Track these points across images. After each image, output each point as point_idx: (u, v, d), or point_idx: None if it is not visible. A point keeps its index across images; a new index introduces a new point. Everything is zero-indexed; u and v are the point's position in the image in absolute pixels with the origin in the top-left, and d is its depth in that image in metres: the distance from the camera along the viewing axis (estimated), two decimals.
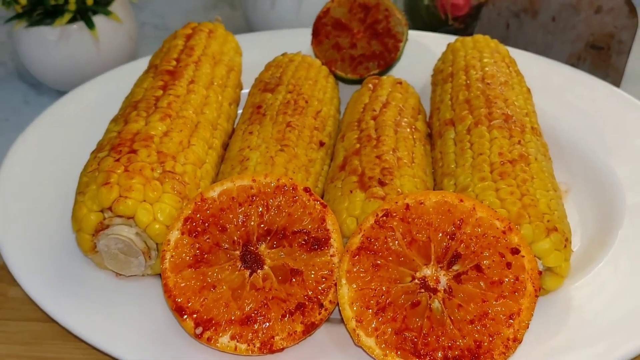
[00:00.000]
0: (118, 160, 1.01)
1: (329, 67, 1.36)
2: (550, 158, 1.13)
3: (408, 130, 1.16)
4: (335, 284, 0.91)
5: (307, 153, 1.15)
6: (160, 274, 0.96)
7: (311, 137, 1.18)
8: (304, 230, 0.94)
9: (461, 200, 0.91)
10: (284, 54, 1.37)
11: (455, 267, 0.89)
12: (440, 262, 0.89)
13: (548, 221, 0.97)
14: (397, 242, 0.90)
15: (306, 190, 0.97)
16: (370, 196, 1.01)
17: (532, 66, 1.39)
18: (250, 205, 0.95)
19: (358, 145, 1.13)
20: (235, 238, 0.94)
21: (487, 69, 1.22)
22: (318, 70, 1.33)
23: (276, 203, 0.95)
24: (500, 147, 1.06)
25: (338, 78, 1.37)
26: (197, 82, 1.19)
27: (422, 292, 0.88)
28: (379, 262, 0.90)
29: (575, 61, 1.59)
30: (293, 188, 0.96)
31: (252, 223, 0.95)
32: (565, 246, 0.97)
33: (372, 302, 0.88)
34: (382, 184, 1.03)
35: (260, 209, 0.95)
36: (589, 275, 1.04)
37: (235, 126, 1.27)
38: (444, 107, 1.20)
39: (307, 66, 1.32)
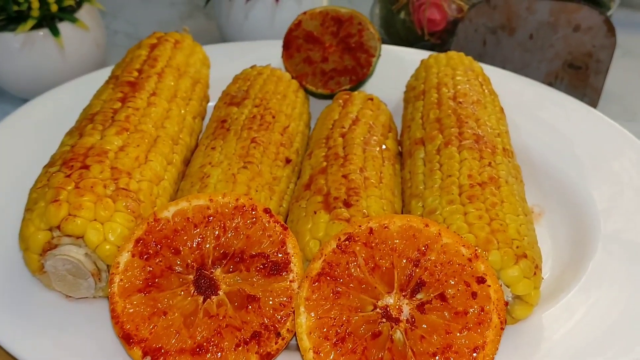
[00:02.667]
0: (69, 176, 0.96)
1: (299, 81, 1.32)
2: (522, 181, 1.10)
3: (377, 149, 1.12)
4: (294, 312, 0.86)
5: (271, 171, 1.10)
6: None
7: (277, 154, 1.13)
8: (263, 254, 0.90)
9: (427, 225, 0.87)
10: (252, 67, 1.32)
11: (419, 296, 0.84)
12: (404, 290, 0.85)
13: (517, 247, 0.93)
14: (359, 268, 0.86)
15: (266, 211, 0.92)
16: (334, 218, 0.97)
17: (508, 84, 1.36)
18: (206, 227, 0.90)
19: (325, 164, 1.09)
20: (189, 261, 0.89)
21: (459, 87, 1.18)
22: (287, 84, 1.28)
23: (234, 224, 0.91)
24: (469, 169, 1.02)
25: (309, 92, 1.33)
26: (158, 95, 1.15)
27: (383, 322, 0.83)
28: (339, 289, 0.85)
29: (553, 80, 1.57)
30: (252, 209, 0.92)
31: (208, 245, 0.90)
32: (535, 273, 0.93)
33: (331, 332, 0.83)
34: (347, 205, 0.99)
35: (217, 231, 0.90)
36: (559, 303, 1.01)
37: (199, 141, 1.22)
38: (415, 126, 1.16)
39: (276, 80, 1.28)
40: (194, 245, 0.90)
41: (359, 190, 1.02)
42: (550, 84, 1.56)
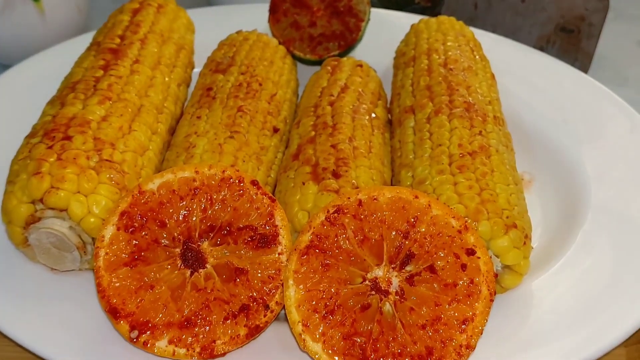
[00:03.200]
0: (51, 147, 0.93)
1: (286, 47, 1.29)
2: (512, 149, 1.08)
3: (367, 117, 1.10)
4: (282, 285, 0.86)
5: (259, 140, 1.08)
6: None
7: (264, 123, 1.11)
8: (251, 227, 0.88)
9: (416, 197, 0.86)
10: (238, 32, 1.29)
11: (408, 268, 0.84)
12: (393, 263, 0.84)
13: (507, 217, 0.92)
14: (348, 240, 0.85)
15: (253, 183, 0.90)
16: (323, 189, 0.95)
17: (499, 49, 1.34)
18: (192, 199, 0.89)
19: (313, 133, 1.07)
20: (176, 234, 0.88)
21: (450, 53, 1.16)
22: (274, 50, 1.25)
23: (220, 197, 0.89)
24: (460, 138, 1.00)
25: (296, 58, 1.30)
26: (142, 62, 1.11)
27: (373, 295, 0.83)
28: (328, 261, 0.84)
29: (544, 44, 1.54)
30: (239, 180, 0.90)
31: (194, 218, 0.88)
32: (524, 243, 0.93)
33: (320, 304, 0.83)
34: (336, 175, 0.97)
35: (204, 204, 0.89)
36: (548, 272, 1.00)
37: (184, 109, 1.19)
38: (405, 93, 1.14)
39: (263, 46, 1.24)
40: (180, 218, 0.88)
41: (348, 160, 1.00)
42: (541, 48, 1.54)
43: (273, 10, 1.32)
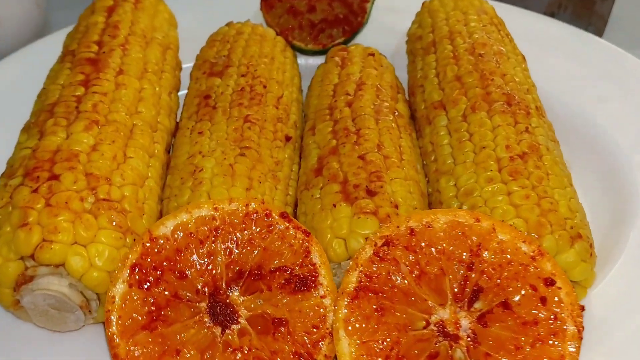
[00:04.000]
0: (36, 190, 0.78)
1: (284, 37, 1.14)
2: (557, 141, 0.97)
3: (390, 117, 0.97)
4: (330, 334, 0.74)
5: (272, 153, 0.94)
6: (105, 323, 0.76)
7: (275, 133, 0.97)
8: (285, 268, 0.76)
9: (477, 220, 0.74)
10: (229, 24, 1.13)
11: (477, 306, 0.72)
12: (459, 301, 0.72)
13: (571, 227, 0.81)
14: (403, 277, 0.73)
15: (283, 216, 0.77)
16: (358, 211, 0.82)
17: (510, 19, 1.19)
18: (214, 242, 0.75)
19: (334, 142, 0.93)
20: (199, 286, 0.74)
21: (476, 35, 1.03)
22: (273, 43, 1.11)
23: (247, 236, 0.76)
24: (506, 138, 0.88)
25: (296, 49, 1.16)
26: (126, 72, 0.96)
27: (440, 341, 0.71)
28: (383, 304, 0.73)
29: (555, 9, 1.42)
30: (267, 214, 0.77)
31: (219, 264, 0.75)
32: (590, 254, 0.82)
33: (380, 358, 0.71)
34: (370, 193, 0.85)
35: (228, 245, 0.75)
36: (606, 278, 0.90)
37: (178, 119, 1.04)
38: (430, 86, 1.01)
39: (260, 39, 1.09)
40: (203, 266, 0.75)
41: (381, 173, 0.87)
42: (552, 15, 1.42)
43: None
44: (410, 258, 0.73)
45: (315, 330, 0.74)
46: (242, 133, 0.94)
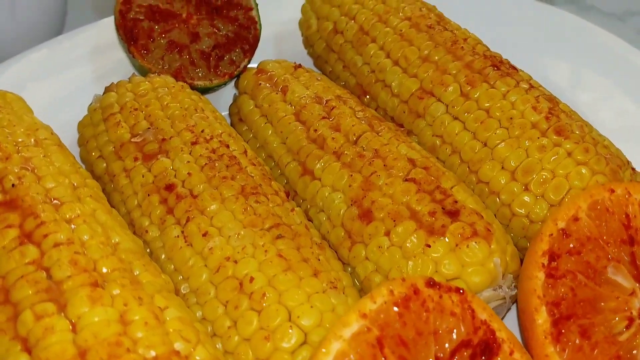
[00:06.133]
0: None
1: (181, 80, 0.89)
2: None
3: (382, 126, 0.83)
4: None
5: (295, 219, 0.73)
6: None
7: (277, 193, 0.76)
8: (463, 343, 0.60)
9: (611, 190, 0.67)
10: (112, 88, 0.85)
11: None
12: None
13: (628, 162, 0.80)
14: (584, 285, 0.63)
15: (429, 284, 0.60)
16: (460, 240, 0.69)
17: None
18: (381, 353, 0.56)
19: (360, 176, 0.76)
20: None
21: (407, 9, 0.92)
22: (182, 90, 0.85)
23: (412, 331, 0.58)
24: (525, 101, 0.81)
25: (199, 90, 0.92)
26: (61, 198, 0.65)
27: None
28: (583, 325, 0.62)
29: None
30: (415, 291, 0.59)
31: None
32: None
33: None
34: (452, 214, 0.71)
35: (398, 351, 0.56)
36: None
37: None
38: (395, 77, 0.88)
39: (168, 92, 0.84)
40: None
41: (441, 186, 0.74)
42: None
43: (132, 38, 0.89)
44: (579, 262, 0.64)
45: None
46: (255, 212, 0.71)
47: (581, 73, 1.03)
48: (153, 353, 0.53)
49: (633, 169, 0.81)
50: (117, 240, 0.64)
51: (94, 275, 0.58)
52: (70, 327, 0.54)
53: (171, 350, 0.54)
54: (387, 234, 0.72)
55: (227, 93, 0.96)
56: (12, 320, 0.55)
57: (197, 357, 0.55)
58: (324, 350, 0.55)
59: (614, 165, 0.77)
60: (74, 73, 0.97)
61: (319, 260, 0.69)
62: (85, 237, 0.62)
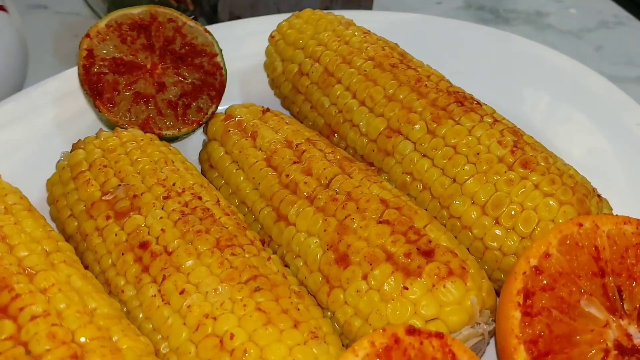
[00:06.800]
0: None
1: (149, 132, 0.89)
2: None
3: (353, 166, 0.84)
4: None
5: (266, 270, 0.74)
6: None
7: (252, 243, 0.76)
8: None
9: (579, 224, 0.69)
10: (79, 145, 0.84)
11: (627, 306, 0.68)
12: (614, 312, 0.67)
13: (594, 190, 0.82)
14: (559, 321, 0.64)
15: (409, 332, 0.61)
16: (436, 280, 0.70)
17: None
18: None
19: (334, 220, 0.76)
20: None
21: (369, 49, 0.94)
22: (151, 143, 0.85)
23: None
24: (490, 135, 0.83)
25: (168, 139, 0.91)
26: (34, 266, 0.64)
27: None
28: (561, 358, 0.63)
29: (328, 4, 1.39)
30: (396, 340, 0.60)
31: None
32: None
33: None
34: (427, 254, 0.72)
35: None
36: None
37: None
38: (362, 117, 0.89)
39: (137, 145, 0.83)
40: None
41: (415, 226, 0.75)
42: (327, 8, 1.39)
43: (97, 92, 0.89)
44: (552, 298, 0.65)
45: None
46: (231, 264, 0.71)
47: (542, 99, 1.06)
48: None
49: (599, 196, 0.83)
50: (93, 306, 0.64)
51: (72, 347, 0.57)
52: None
53: None
54: (365, 277, 0.72)
55: (196, 139, 0.97)
56: None
57: None
58: None
59: (580, 195, 0.79)
60: (38, 129, 0.96)
61: (298, 309, 0.69)
62: (61, 306, 0.61)
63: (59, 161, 0.85)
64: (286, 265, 0.79)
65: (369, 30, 1.00)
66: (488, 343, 0.76)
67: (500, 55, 1.10)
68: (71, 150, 0.85)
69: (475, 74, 1.03)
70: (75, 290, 0.64)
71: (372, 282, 0.72)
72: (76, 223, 0.79)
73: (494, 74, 1.07)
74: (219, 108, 0.95)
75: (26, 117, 0.98)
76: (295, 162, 0.83)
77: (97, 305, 0.64)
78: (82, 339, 0.59)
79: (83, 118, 0.98)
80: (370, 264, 0.73)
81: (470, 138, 0.83)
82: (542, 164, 0.81)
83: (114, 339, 0.61)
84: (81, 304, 0.62)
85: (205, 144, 0.94)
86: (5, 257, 0.63)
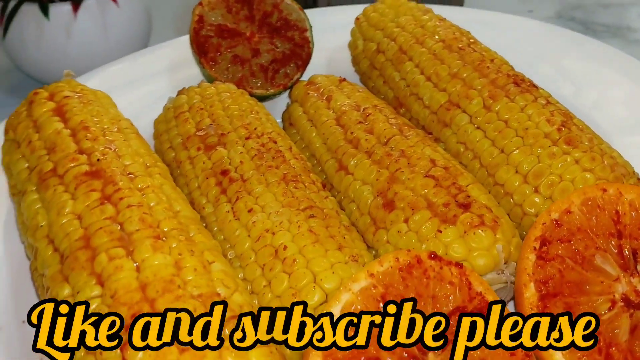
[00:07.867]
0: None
1: (242, 88, 1.04)
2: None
3: (412, 131, 0.94)
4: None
5: (327, 205, 0.86)
6: None
7: (314, 183, 0.89)
8: (458, 307, 0.70)
9: (604, 190, 0.76)
10: (183, 91, 1.00)
11: None
12: (626, 269, 0.73)
13: (634, 172, 0.88)
14: (572, 269, 0.72)
15: (431, 256, 0.71)
16: (468, 227, 0.79)
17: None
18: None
19: (386, 172, 0.87)
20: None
21: (442, 32, 1.04)
22: (242, 96, 1.00)
23: (412, 294, 0.68)
24: (540, 114, 0.91)
25: (257, 97, 1.06)
26: (136, 173, 0.80)
27: (632, 313, 0.72)
28: (568, 303, 0.71)
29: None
30: (418, 261, 0.70)
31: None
32: None
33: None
34: (464, 206, 0.82)
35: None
36: None
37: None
38: (427, 91, 1.00)
39: (230, 96, 0.99)
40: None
41: (458, 183, 0.85)
42: None
43: (202, 51, 1.05)
44: (569, 249, 0.73)
45: None
46: (293, 195, 0.84)
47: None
48: (198, 292, 0.66)
49: (638, 179, 0.89)
50: (178, 209, 0.78)
51: (157, 231, 0.71)
52: (135, 267, 0.67)
53: (213, 292, 0.67)
54: (406, 220, 0.83)
55: (282, 102, 1.11)
56: (90, 261, 0.69)
57: (234, 300, 0.67)
58: (336, 300, 0.66)
59: (617, 174, 0.85)
60: (152, 81, 1.13)
61: (344, 238, 0.81)
62: (152, 203, 0.76)
63: (165, 104, 1.01)
64: (342, 209, 0.91)
65: (444, 18, 1.10)
66: (512, 298, 0.84)
67: (588, 59, 1.14)
68: (176, 95, 1.01)
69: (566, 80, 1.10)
70: (165, 194, 0.79)
71: (412, 225, 0.82)
72: (173, 153, 0.94)
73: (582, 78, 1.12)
74: (304, 77, 1.09)
75: (142, 72, 1.15)
76: (360, 122, 0.95)
77: (181, 209, 0.78)
78: (165, 228, 0.73)
79: (189, 79, 1.14)
80: (412, 210, 0.83)
81: (521, 114, 0.92)
82: (586, 143, 0.88)
83: (190, 234, 0.75)
84: (168, 204, 0.77)
85: (288, 106, 1.07)
86: (113, 162, 0.79)
